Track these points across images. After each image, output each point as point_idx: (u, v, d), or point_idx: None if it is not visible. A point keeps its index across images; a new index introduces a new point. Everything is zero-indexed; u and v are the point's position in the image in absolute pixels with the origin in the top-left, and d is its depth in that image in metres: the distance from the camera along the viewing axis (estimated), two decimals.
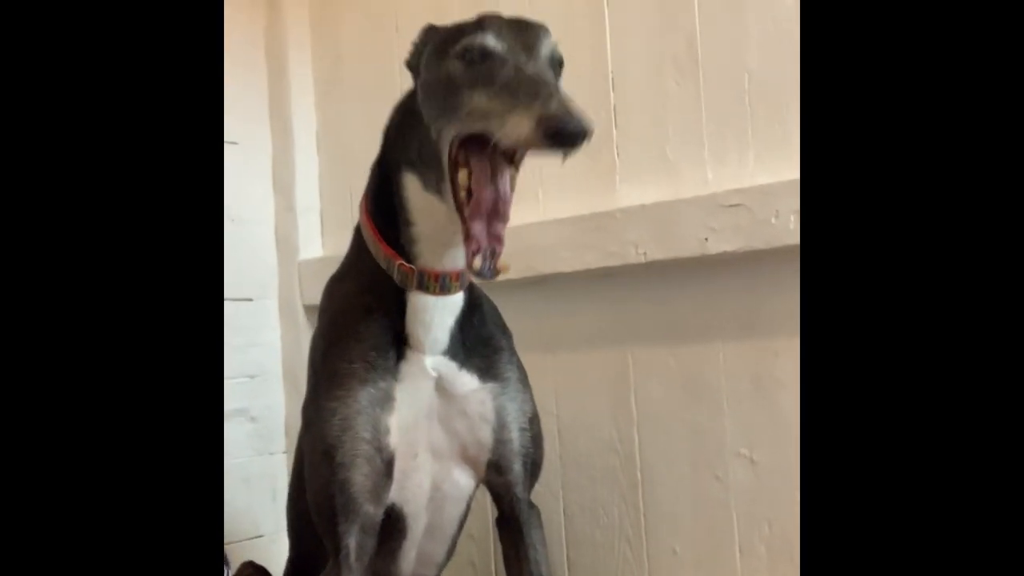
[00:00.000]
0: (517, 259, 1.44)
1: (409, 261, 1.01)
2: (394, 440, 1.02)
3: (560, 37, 1.45)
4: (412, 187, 1.00)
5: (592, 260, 1.35)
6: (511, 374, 1.08)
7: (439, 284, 1.01)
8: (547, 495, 1.16)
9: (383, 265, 1.03)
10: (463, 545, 1.30)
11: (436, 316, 1.03)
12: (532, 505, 1.12)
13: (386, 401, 1.01)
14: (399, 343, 1.03)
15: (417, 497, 1.07)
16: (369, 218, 1.06)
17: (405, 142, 1.01)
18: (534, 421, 1.10)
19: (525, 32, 0.96)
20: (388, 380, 1.02)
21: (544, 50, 0.95)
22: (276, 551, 1.53)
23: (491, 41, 0.93)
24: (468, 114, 0.89)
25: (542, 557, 1.12)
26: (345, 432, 1.00)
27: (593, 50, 1.41)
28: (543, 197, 1.49)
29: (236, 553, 1.56)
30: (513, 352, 1.11)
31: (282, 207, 1.88)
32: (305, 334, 1.80)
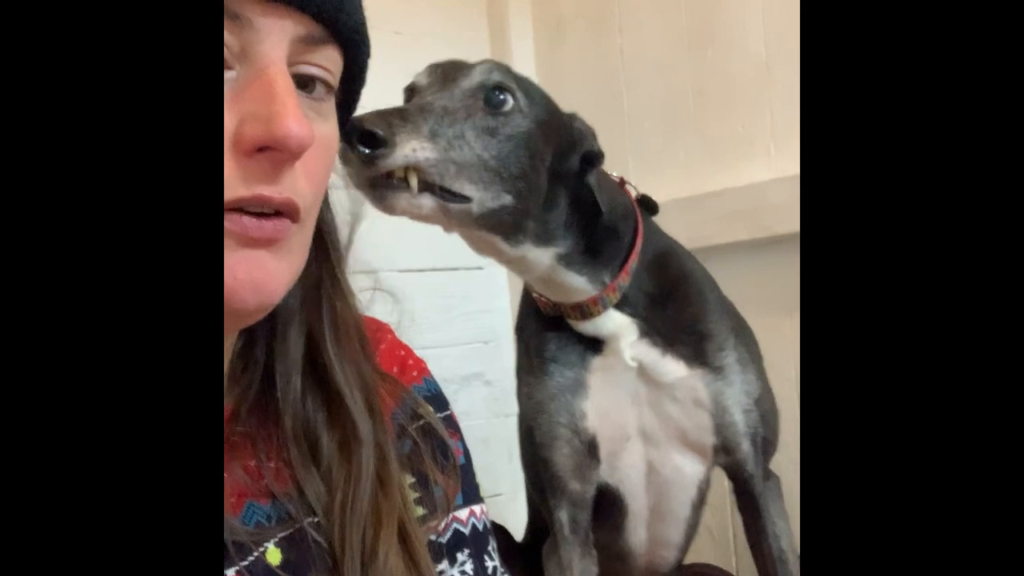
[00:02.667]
0: (749, 219, 1.39)
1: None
2: (592, 423, 1.03)
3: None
4: None
5: None
6: (726, 359, 1.02)
7: (579, 312, 1.00)
8: (788, 464, 1.11)
9: None
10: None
11: (606, 325, 1.01)
12: (769, 476, 1.08)
13: (577, 388, 1.03)
14: (589, 340, 1.03)
15: (631, 478, 1.07)
16: None
17: None
18: (761, 400, 1.04)
19: (454, 68, 0.92)
20: (577, 370, 1.02)
21: (469, 79, 0.89)
22: (514, 509, 1.59)
23: (419, 78, 0.92)
24: None
25: (781, 530, 1.07)
26: (540, 414, 1.04)
27: None
28: (775, 152, 1.41)
29: None
30: (729, 332, 1.04)
31: None
32: None
